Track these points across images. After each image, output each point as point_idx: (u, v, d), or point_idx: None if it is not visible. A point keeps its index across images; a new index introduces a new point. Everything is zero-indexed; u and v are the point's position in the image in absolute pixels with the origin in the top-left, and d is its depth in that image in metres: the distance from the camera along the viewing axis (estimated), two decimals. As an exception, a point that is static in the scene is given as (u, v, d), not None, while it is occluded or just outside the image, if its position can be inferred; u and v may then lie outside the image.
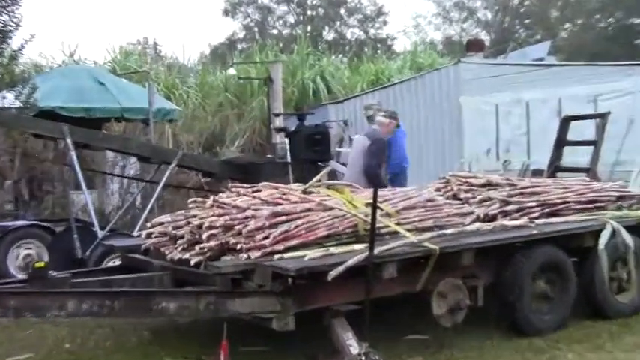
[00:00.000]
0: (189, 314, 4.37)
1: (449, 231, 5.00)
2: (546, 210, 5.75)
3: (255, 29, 35.62)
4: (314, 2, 35.32)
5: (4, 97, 8.09)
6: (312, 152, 8.87)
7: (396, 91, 13.44)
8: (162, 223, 5.16)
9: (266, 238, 4.51)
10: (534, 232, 5.29)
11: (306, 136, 8.95)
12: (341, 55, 24.93)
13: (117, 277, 4.90)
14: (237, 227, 4.58)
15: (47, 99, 9.27)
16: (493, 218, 5.56)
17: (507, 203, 5.68)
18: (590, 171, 7.52)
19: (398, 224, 5.02)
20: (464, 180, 6.10)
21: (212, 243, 4.59)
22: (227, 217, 4.65)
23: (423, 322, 5.06)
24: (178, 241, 4.87)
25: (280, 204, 4.90)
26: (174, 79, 17.71)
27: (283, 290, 4.34)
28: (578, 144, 8.05)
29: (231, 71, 17.25)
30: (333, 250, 4.54)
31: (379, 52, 28.36)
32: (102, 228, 7.60)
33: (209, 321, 5.11)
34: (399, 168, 7.81)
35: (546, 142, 8.63)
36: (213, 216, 4.74)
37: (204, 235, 4.62)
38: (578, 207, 5.88)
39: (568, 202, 5.85)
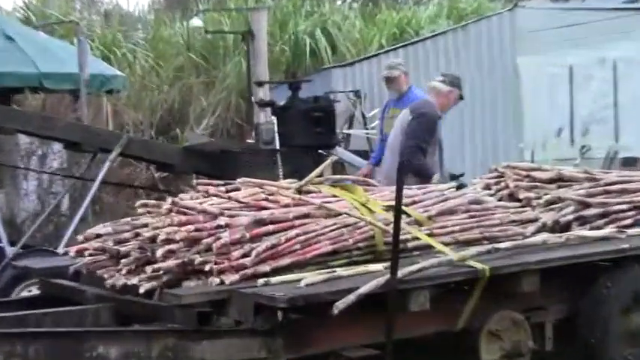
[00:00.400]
0: (138, 364, 4.38)
1: (503, 245, 5.01)
2: (643, 215, 5.77)
3: (230, -38, 35.60)
4: None
5: None
6: (310, 136, 8.89)
7: (427, 50, 13.48)
8: (100, 236, 5.18)
9: (246, 255, 4.52)
10: (626, 246, 5.30)
11: (301, 113, 8.97)
12: (350, -1, 24.94)
13: (34, 312, 4.91)
14: (205, 241, 4.60)
15: None
16: (566, 227, 5.58)
17: (587, 206, 5.70)
18: None
19: (431, 235, 5.04)
20: (524, 173, 6.12)
21: (170, 263, 4.60)
22: (191, 227, 4.67)
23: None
24: (122, 261, 4.89)
25: (266, 208, 4.91)
26: (115, 33, 17.75)
27: (270, 329, 4.35)
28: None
29: (196, 22, 17.27)
30: (340, 272, 4.56)
31: (404, -7, 28.35)
32: (12, 243, 7.61)
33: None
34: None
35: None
36: (171, 225, 4.75)
37: (160, 252, 4.64)
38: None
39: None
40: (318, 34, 18.14)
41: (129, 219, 5.25)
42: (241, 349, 4.33)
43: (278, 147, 8.93)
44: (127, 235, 5.02)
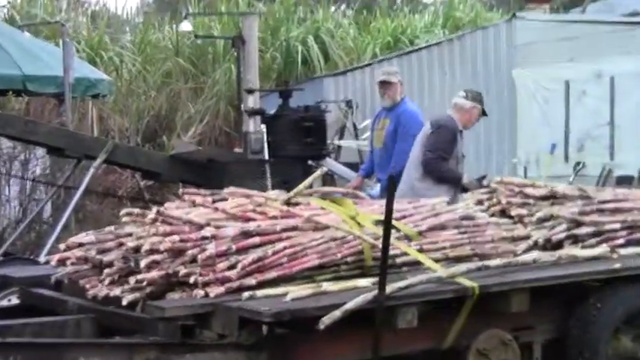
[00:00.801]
0: (119, 376, 4.40)
1: (493, 262, 5.04)
2: (636, 235, 5.81)
3: (221, -35, 35.61)
4: None
5: None
6: (300, 146, 8.94)
7: (422, 59, 13.55)
8: (83, 245, 5.17)
9: (232, 267, 4.54)
10: (617, 265, 5.33)
11: (292, 122, 9.01)
12: (344, 6, 25.01)
13: (13, 322, 4.91)
14: (190, 252, 4.61)
15: None
16: (558, 245, 5.61)
17: (579, 224, 5.73)
18: None
19: (421, 251, 5.07)
20: (517, 189, 6.15)
21: (154, 274, 4.62)
22: (176, 238, 4.69)
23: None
24: (105, 271, 4.89)
25: (253, 219, 4.93)
26: (102, 35, 17.75)
27: (255, 343, 4.37)
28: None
29: (186, 26, 17.30)
30: (327, 286, 4.58)
31: (399, 1, 28.45)
32: (-7, 251, 7.64)
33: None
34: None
35: (638, 137, 8.73)
36: (156, 235, 4.77)
37: (143, 263, 4.66)
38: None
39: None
40: (311, 41, 18.18)
41: (112, 228, 5.24)
42: (225, 364, 4.36)
43: (267, 157, 8.96)
44: (110, 244, 5.00)
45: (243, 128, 11.19)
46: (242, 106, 12.10)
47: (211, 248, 4.58)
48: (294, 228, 4.89)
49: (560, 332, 5.24)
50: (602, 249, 5.54)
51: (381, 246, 4.45)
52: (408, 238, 5.16)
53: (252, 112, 10.31)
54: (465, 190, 7.05)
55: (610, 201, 6.05)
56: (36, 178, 10.73)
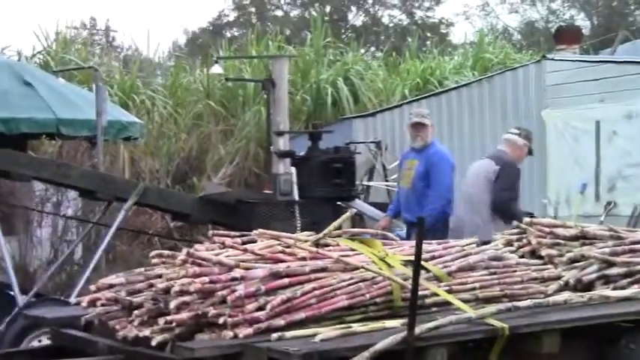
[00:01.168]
0: (149, 418, 4.41)
1: (523, 303, 5.02)
2: (669, 276, 5.76)
3: (252, 9, 35.98)
4: (336, -30, 35.49)
5: None
6: (329, 187, 8.94)
7: (451, 101, 13.57)
8: (113, 286, 5.22)
9: (261, 309, 4.55)
10: (650, 306, 5.30)
11: (321, 163, 9.03)
12: (373, 49, 25.17)
13: (45, 363, 4.96)
14: (219, 293, 4.63)
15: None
16: (589, 286, 5.58)
17: (611, 265, 5.70)
18: None
19: (450, 292, 5.06)
20: (547, 230, 6.13)
21: (184, 315, 4.63)
22: (206, 279, 4.71)
23: None
24: (135, 312, 4.92)
25: (282, 261, 4.95)
26: (134, 79, 17.95)
27: (284, 384, 4.37)
28: None
29: (216, 69, 17.45)
30: (356, 327, 4.58)
31: (428, 43, 28.58)
32: (24, 292, 7.67)
33: None
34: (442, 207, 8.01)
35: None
36: (186, 276, 4.79)
37: (173, 304, 4.68)
38: None
39: None
40: (340, 83, 18.27)
41: (142, 269, 5.28)
42: (254, 405, 4.35)
43: (296, 198, 8.99)
44: (140, 285, 5.04)
45: (273, 170, 11.23)
46: (271, 147, 12.17)
47: (240, 289, 4.59)
48: (324, 269, 4.90)
49: (591, 374, 5.20)
50: (634, 290, 5.51)
51: (410, 287, 4.45)
52: (437, 278, 5.15)
53: (282, 154, 10.35)
54: None
55: (642, 241, 6.02)
56: (69, 216, 10.82)
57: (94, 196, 8.62)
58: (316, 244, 5.32)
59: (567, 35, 16.07)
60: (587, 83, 11.56)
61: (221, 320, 4.54)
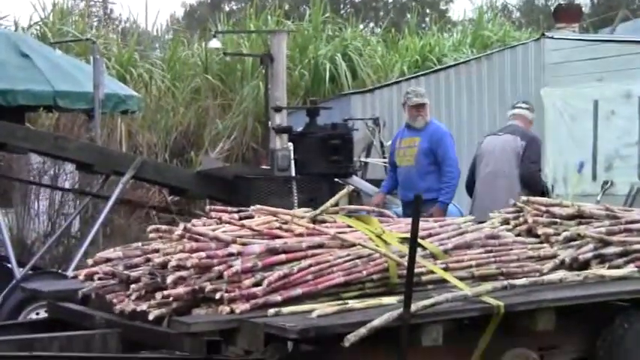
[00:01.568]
0: (145, 391, 4.43)
1: (519, 281, 5.04)
2: (665, 255, 5.78)
3: (250, -17, 35.84)
4: (335, -54, 35.42)
5: None
6: (326, 163, 8.94)
7: (449, 78, 13.54)
8: (110, 260, 5.23)
9: (258, 284, 4.57)
10: (645, 286, 5.32)
11: (319, 140, 9.02)
12: (372, 24, 25.09)
13: (41, 335, 4.96)
14: (216, 268, 4.64)
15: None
16: (585, 265, 5.59)
17: (606, 244, 5.72)
18: None
19: (446, 269, 5.08)
20: (544, 208, 6.14)
21: (180, 290, 4.65)
22: (203, 254, 4.72)
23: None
24: (132, 286, 4.93)
25: (279, 237, 4.96)
26: (132, 52, 17.91)
27: (280, 359, 4.39)
28: None
29: (214, 44, 17.42)
30: (352, 304, 4.60)
31: (427, 20, 28.52)
32: (21, 265, 7.68)
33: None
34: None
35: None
36: (182, 251, 4.80)
37: (170, 279, 4.69)
38: None
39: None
40: (339, 59, 18.25)
41: (140, 244, 5.29)
42: (250, 380, 4.37)
43: (294, 174, 8.99)
44: (137, 260, 5.05)
45: (271, 145, 11.25)
46: (269, 123, 12.18)
47: (237, 265, 4.61)
48: (320, 245, 4.91)
49: (586, 353, 5.22)
50: (630, 269, 5.53)
51: (406, 264, 4.46)
52: (433, 256, 5.16)
53: (280, 130, 10.36)
54: None
55: (638, 221, 6.02)
56: (66, 188, 10.80)
57: (92, 170, 8.60)
58: (313, 220, 5.33)
59: (567, 13, 16.02)
60: (587, 62, 11.52)
61: (218, 295, 4.55)
